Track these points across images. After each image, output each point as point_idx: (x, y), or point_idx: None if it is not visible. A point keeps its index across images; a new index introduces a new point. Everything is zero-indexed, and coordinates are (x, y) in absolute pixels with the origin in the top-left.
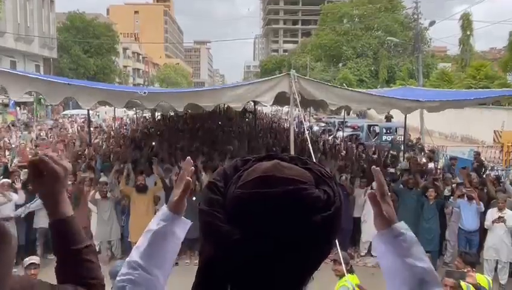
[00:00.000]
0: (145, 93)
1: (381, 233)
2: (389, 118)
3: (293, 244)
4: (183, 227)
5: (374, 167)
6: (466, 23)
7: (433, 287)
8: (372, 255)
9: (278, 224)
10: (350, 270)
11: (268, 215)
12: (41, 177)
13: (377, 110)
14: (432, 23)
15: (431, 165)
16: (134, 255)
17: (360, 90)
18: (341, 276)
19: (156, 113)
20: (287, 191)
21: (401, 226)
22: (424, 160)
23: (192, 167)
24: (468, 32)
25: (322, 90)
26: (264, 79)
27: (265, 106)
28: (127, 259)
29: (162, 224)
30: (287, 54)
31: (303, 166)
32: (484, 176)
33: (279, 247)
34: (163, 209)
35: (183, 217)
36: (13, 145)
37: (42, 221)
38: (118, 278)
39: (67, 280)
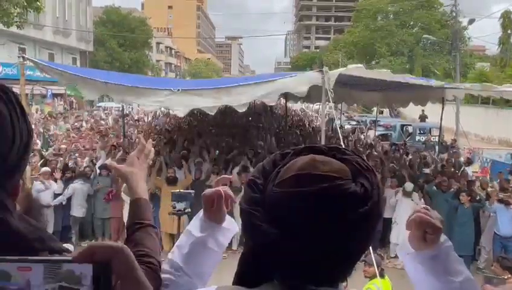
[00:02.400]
0: (178, 90)
1: (419, 253)
2: (423, 118)
3: (330, 242)
4: (225, 235)
5: (417, 215)
6: (507, 21)
7: None
8: None
9: (314, 223)
10: (381, 274)
11: (304, 214)
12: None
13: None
14: (471, 21)
15: (468, 168)
16: (177, 255)
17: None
18: (371, 278)
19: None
20: (322, 188)
21: (443, 241)
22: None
23: (227, 181)
24: (509, 31)
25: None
26: (297, 72)
27: (295, 101)
28: (169, 256)
29: (204, 233)
30: (318, 50)
31: (341, 156)
32: None
33: (316, 245)
34: (203, 218)
35: (226, 225)
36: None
37: (75, 209)
38: (161, 275)
39: (133, 251)
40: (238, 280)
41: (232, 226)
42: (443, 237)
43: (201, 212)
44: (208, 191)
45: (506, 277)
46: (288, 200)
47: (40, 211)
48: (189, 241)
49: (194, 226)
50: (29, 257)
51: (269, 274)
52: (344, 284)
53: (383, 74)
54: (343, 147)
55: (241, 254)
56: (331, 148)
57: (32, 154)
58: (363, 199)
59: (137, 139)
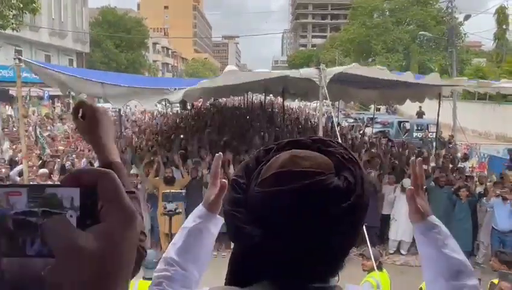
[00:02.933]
0: (174, 89)
1: (417, 226)
2: (420, 115)
3: (314, 239)
4: (217, 224)
5: (413, 158)
6: (502, 17)
7: (470, 277)
8: (401, 254)
9: (296, 220)
10: (379, 267)
11: (286, 213)
12: (83, 120)
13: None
14: (467, 17)
15: (465, 163)
16: (171, 251)
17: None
18: (369, 271)
19: (187, 105)
20: (303, 185)
21: (435, 219)
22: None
23: (220, 161)
24: (504, 27)
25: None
26: (293, 70)
27: (292, 99)
28: (164, 255)
29: (198, 221)
30: (315, 48)
31: (325, 148)
32: None
33: (299, 243)
34: (200, 207)
35: (217, 215)
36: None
37: None
38: (155, 274)
39: None
40: (230, 280)
41: (220, 217)
42: (435, 219)
43: (199, 206)
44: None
45: None
46: (269, 200)
47: None
48: (184, 233)
49: (188, 220)
50: (17, 184)
51: (259, 273)
52: (336, 278)
53: (379, 72)
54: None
55: (231, 253)
56: (315, 141)
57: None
58: (346, 193)
59: (133, 135)
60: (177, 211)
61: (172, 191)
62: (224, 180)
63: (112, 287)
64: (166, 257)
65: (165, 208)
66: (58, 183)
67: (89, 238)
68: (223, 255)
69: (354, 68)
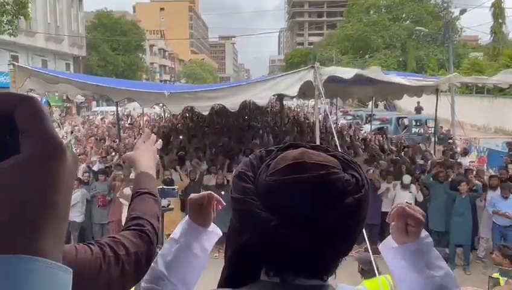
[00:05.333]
0: (169, 93)
1: (400, 247)
2: (419, 110)
3: (328, 228)
4: (210, 239)
5: (400, 207)
6: (497, 11)
7: (453, 288)
8: None
9: (312, 208)
10: (365, 272)
11: (302, 201)
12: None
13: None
14: (463, 11)
15: (465, 158)
16: (160, 263)
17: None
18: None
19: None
20: (320, 175)
21: (423, 237)
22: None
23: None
24: (500, 20)
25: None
26: (288, 72)
27: (290, 98)
28: (153, 264)
29: (189, 238)
30: (312, 47)
31: (327, 151)
32: None
33: (314, 231)
34: (189, 221)
35: (211, 229)
36: None
37: (74, 215)
38: (143, 284)
39: (127, 217)
40: (224, 282)
41: (215, 229)
42: (424, 233)
43: (185, 218)
44: (194, 195)
45: None
46: (285, 188)
47: None
48: (173, 247)
49: (178, 233)
50: None
51: (256, 272)
52: (333, 276)
53: (374, 73)
54: (337, 144)
55: (225, 259)
56: (314, 147)
57: None
58: (357, 187)
59: (141, 131)
60: (169, 207)
61: (165, 187)
62: (210, 192)
63: (37, 226)
64: (155, 268)
65: None
66: None
67: None
68: (215, 256)
69: (347, 73)
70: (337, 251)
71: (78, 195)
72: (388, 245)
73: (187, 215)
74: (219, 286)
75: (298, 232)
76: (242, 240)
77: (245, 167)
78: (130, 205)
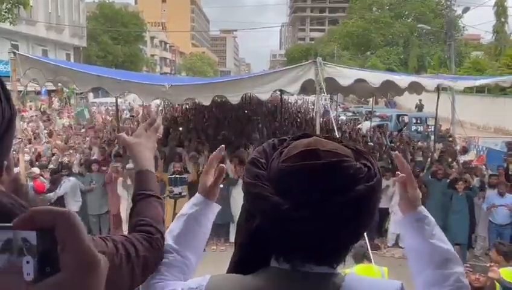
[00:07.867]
0: (170, 85)
1: (406, 216)
2: (420, 108)
3: (339, 214)
4: (214, 211)
5: (396, 152)
6: (500, 10)
7: (457, 265)
8: (399, 247)
9: (323, 194)
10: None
11: (314, 186)
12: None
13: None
14: (465, 10)
15: (464, 157)
16: (168, 239)
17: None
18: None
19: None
20: (332, 162)
21: (424, 209)
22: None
23: (222, 152)
24: (503, 19)
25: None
26: (290, 67)
27: (291, 94)
28: None
29: (195, 208)
30: (313, 42)
31: (340, 141)
32: None
33: (325, 216)
34: (196, 195)
35: (214, 203)
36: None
37: (71, 205)
38: None
39: (133, 221)
40: (233, 269)
41: (217, 204)
42: (424, 210)
43: (195, 196)
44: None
45: (488, 265)
46: (297, 173)
47: (28, 196)
48: (181, 220)
49: (185, 208)
50: None
51: (267, 258)
52: (341, 265)
53: (375, 79)
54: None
55: (235, 245)
56: (327, 138)
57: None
58: (369, 175)
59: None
60: (182, 194)
61: (177, 176)
62: (223, 165)
63: None
64: (164, 245)
65: (172, 191)
66: (11, 225)
67: None
68: (221, 249)
69: (346, 78)
70: (347, 238)
71: (69, 185)
72: (397, 216)
73: (198, 192)
74: (229, 271)
75: (309, 217)
76: (253, 226)
77: (258, 154)
78: (133, 206)
